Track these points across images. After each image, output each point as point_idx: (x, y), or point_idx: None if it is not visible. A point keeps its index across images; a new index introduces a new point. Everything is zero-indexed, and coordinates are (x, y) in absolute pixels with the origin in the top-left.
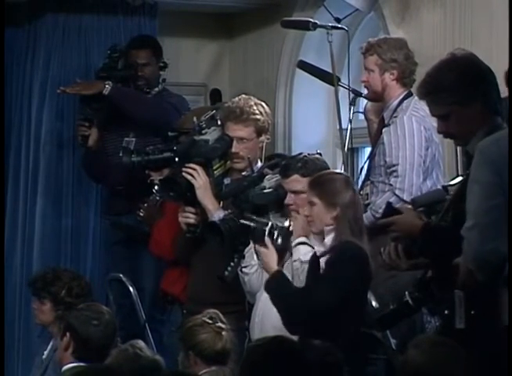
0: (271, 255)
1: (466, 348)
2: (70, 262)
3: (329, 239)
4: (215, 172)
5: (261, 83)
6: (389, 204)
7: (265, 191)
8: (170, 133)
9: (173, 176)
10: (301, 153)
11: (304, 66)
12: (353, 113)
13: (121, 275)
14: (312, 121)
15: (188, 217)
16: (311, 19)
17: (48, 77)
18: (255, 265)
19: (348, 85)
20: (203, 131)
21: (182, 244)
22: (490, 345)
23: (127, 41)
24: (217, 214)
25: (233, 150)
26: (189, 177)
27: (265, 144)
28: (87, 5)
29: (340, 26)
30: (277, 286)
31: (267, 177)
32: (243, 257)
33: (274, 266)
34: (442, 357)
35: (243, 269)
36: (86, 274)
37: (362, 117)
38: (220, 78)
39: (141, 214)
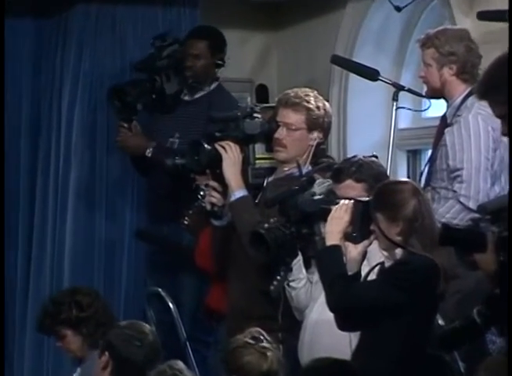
0: (339, 226)
1: None
2: (104, 274)
3: (398, 252)
4: (257, 162)
5: (313, 79)
6: (445, 226)
7: (315, 198)
8: (217, 134)
9: (202, 142)
10: (355, 156)
11: (339, 61)
12: (396, 109)
13: (160, 289)
14: (369, 121)
15: (211, 195)
16: None
17: (79, 73)
18: (303, 279)
19: (390, 79)
20: (255, 115)
21: (217, 252)
22: None
23: (165, 32)
24: (238, 192)
25: (276, 135)
26: (219, 148)
27: (315, 144)
28: None
29: None
30: (330, 260)
31: (317, 182)
32: (291, 270)
33: (336, 239)
34: None
35: (291, 284)
36: (121, 288)
37: (424, 115)
38: (267, 73)
39: (185, 222)
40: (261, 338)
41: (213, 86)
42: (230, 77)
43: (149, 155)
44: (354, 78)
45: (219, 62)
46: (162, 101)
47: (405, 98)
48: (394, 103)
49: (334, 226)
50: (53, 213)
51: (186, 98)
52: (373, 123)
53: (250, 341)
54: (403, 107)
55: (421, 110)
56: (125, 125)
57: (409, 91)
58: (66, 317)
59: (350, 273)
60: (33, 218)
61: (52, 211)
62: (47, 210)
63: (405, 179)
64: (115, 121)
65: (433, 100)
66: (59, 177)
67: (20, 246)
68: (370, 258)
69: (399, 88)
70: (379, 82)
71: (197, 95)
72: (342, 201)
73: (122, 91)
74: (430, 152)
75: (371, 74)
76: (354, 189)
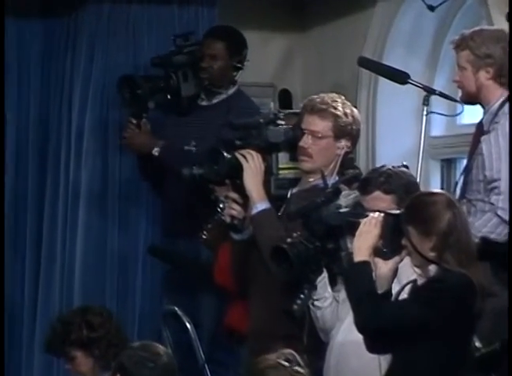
0: (368, 241)
1: None
2: (117, 291)
3: (431, 269)
4: (280, 172)
5: (340, 83)
6: (485, 240)
7: (341, 210)
8: (238, 142)
9: (221, 150)
10: (384, 166)
11: (366, 63)
12: (426, 114)
13: (177, 308)
14: (400, 128)
15: (231, 207)
16: None
17: (90, 75)
18: (329, 298)
19: (420, 83)
20: (278, 122)
21: (237, 268)
22: None
23: (189, 32)
24: (260, 204)
25: (301, 143)
26: (239, 156)
27: (343, 153)
28: None
29: None
30: (358, 278)
31: (343, 193)
32: (315, 288)
33: (364, 255)
34: None
35: (315, 303)
36: (135, 307)
37: (459, 122)
38: (291, 78)
39: (203, 236)
40: (295, 360)
41: (231, 90)
42: (251, 82)
43: (156, 154)
44: (383, 83)
45: (238, 65)
46: (177, 102)
47: (438, 103)
48: (425, 108)
49: (363, 241)
50: (63, 224)
51: (203, 103)
52: (404, 130)
53: (284, 362)
54: (434, 112)
55: (454, 115)
56: (134, 122)
57: (441, 95)
58: (76, 338)
59: (380, 292)
60: (41, 230)
61: (61, 221)
62: (56, 220)
63: (439, 191)
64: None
65: (468, 106)
66: (69, 184)
67: (28, 259)
68: (401, 275)
69: (430, 91)
70: (410, 87)
71: (215, 100)
72: (371, 214)
73: (132, 80)
74: (465, 161)
75: (400, 77)
76: (383, 201)
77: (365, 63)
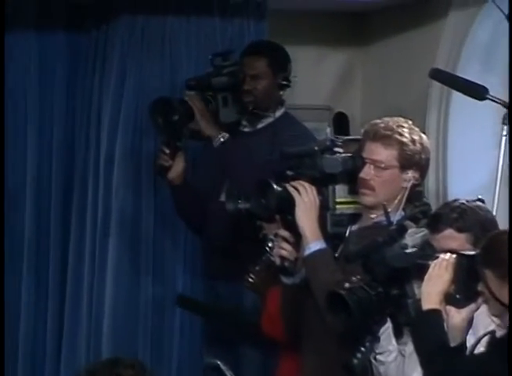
0: (438, 287)
1: None
2: (151, 341)
3: None
4: (337, 207)
5: (406, 105)
6: None
7: (407, 251)
8: (289, 172)
9: (270, 182)
10: (456, 200)
11: (439, 75)
12: (506, 134)
13: (219, 362)
14: (476, 157)
15: (281, 247)
16: None
17: (122, 95)
18: (394, 352)
19: (500, 99)
20: (336, 150)
21: (288, 316)
22: None
23: (225, 49)
24: (314, 244)
25: (362, 175)
26: (291, 189)
27: (410, 185)
28: (173, 4)
29: None
30: (428, 329)
31: (409, 231)
32: (378, 340)
33: (435, 303)
34: None
35: (378, 357)
36: (172, 360)
37: None
38: (349, 99)
39: (250, 279)
40: None
41: (279, 113)
42: (304, 104)
43: (216, 145)
44: (456, 104)
45: (284, 82)
46: None
47: None
48: (504, 128)
49: (432, 286)
50: (90, 263)
51: (246, 129)
52: (480, 160)
53: None
54: None
55: None
56: (167, 151)
57: None
58: None
59: (453, 344)
60: (66, 269)
61: (88, 259)
62: (83, 259)
63: None
64: None
65: None
66: (97, 218)
67: (51, 302)
68: (478, 326)
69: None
70: (489, 108)
71: (260, 125)
72: (442, 255)
73: (169, 104)
74: None
75: (478, 92)
76: (455, 241)
77: (437, 75)
